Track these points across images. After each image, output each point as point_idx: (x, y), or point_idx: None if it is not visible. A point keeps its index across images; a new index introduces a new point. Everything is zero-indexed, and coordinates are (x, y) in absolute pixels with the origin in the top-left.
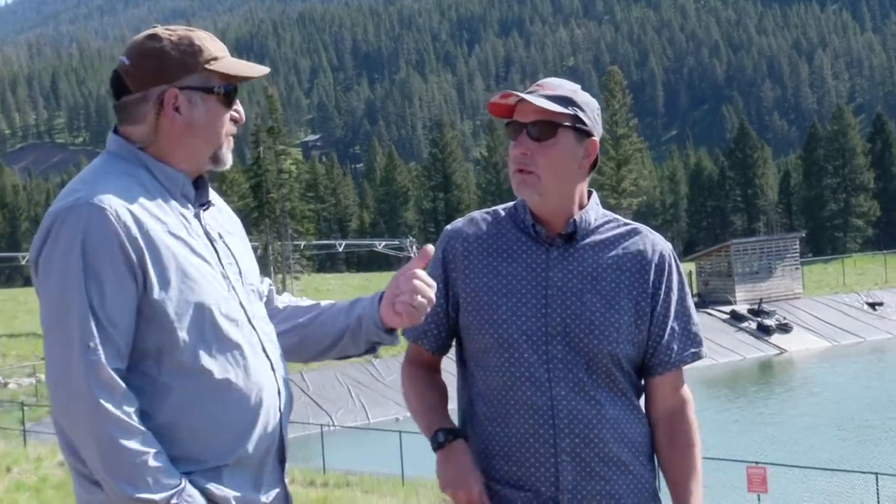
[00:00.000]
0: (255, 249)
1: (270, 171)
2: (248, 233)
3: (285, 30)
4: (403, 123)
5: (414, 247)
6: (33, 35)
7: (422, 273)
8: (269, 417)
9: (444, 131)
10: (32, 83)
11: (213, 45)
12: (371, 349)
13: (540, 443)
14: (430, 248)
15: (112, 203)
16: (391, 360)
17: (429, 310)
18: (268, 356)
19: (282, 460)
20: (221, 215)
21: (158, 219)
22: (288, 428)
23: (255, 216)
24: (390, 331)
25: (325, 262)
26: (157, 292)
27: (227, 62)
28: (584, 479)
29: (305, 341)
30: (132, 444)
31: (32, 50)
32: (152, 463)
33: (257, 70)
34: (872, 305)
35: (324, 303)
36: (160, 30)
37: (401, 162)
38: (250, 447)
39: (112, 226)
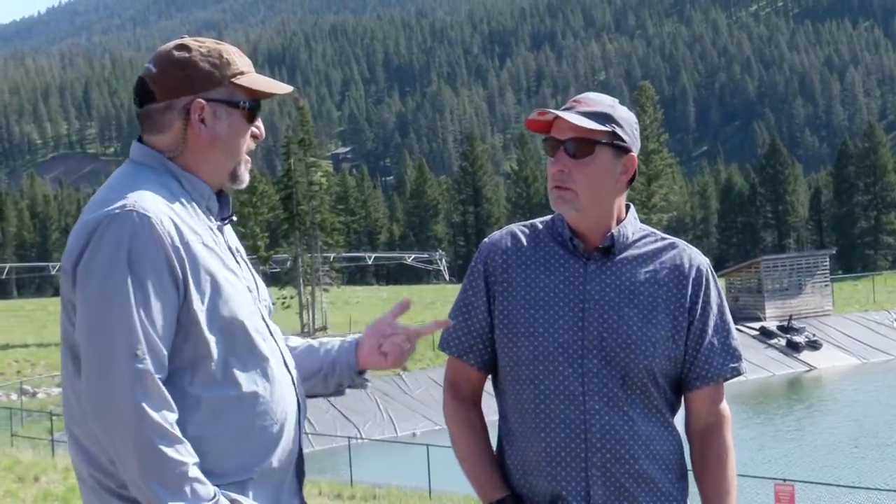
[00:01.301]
0: (284, 262)
1: (301, 182)
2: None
3: (317, 42)
4: (434, 136)
5: (443, 260)
6: (66, 45)
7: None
8: (290, 431)
9: (474, 145)
10: (64, 93)
11: (240, 60)
12: (339, 391)
13: (571, 457)
14: (408, 299)
15: (157, 212)
16: (419, 374)
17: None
18: (289, 370)
19: (299, 473)
20: (232, 230)
21: (194, 230)
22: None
23: (285, 228)
24: (361, 372)
25: (355, 275)
26: (195, 304)
27: (252, 77)
28: (613, 496)
29: None
30: (173, 453)
31: (65, 60)
32: (191, 473)
33: (281, 88)
34: None
35: (304, 342)
36: (189, 40)
37: (431, 175)
38: (274, 461)
39: (157, 235)
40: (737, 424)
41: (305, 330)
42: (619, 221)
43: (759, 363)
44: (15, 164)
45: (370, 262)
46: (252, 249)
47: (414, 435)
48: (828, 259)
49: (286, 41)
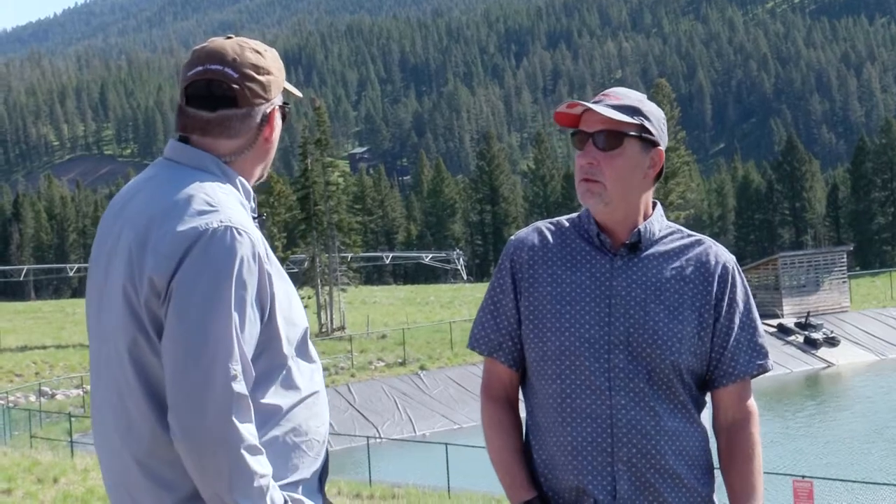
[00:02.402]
0: (302, 262)
1: (318, 183)
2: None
3: (333, 42)
4: (451, 136)
5: (461, 259)
6: (82, 47)
7: None
8: (327, 429)
9: (491, 144)
10: (81, 95)
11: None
12: None
13: (597, 451)
14: None
15: (251, 229)
16: (438, 373)
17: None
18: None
19: (323, 472)
20: None
21: (263, 242)
22: None
23: (303, 228)
24: None
25: (373, 275)
26: (276, 318)
27: (286, 81)
28: (639, 490)
29: None
30: (258, 467)
31: (81, 61)
32: (270, 484)
33: (298, 93)
34: None
35: None
36: (251, 42)
37: (448, 174)
38: (320, 460)
39: (257, 254)
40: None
41: (323, 330)
42: (645, 217)
43: (777, 360)
44: (32, 165)
45: (388, 262)
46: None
47: (424, 436)
48: (845, 255)
49: (302, 41)
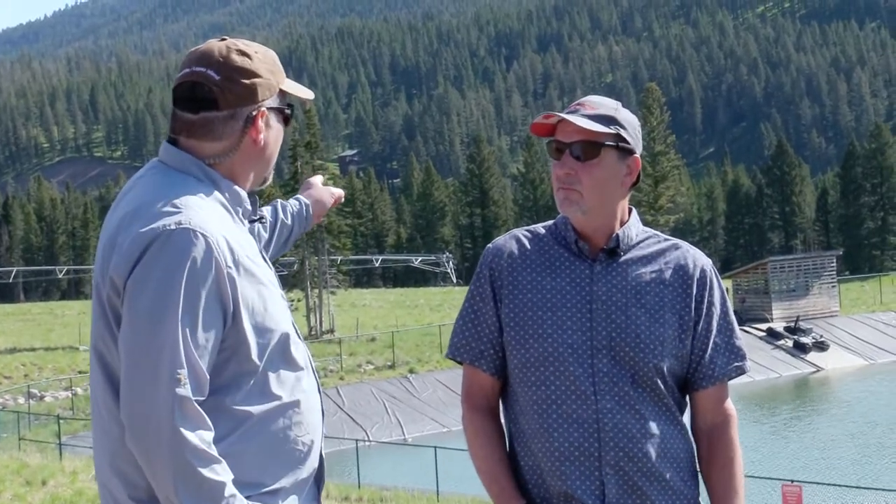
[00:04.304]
0: (291, 264)
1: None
2: None
3: (324, 45)
4: (441, 139)
5: (450, 262)
6: (72, 49)
7: None
8: (318, 438)
9: (481, 147)
10: (71, 97)
11: (281, 66)
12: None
13: (585, 456)
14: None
15: (213, 231)
16: (427, 376)
17: None
18: (315, 375)
19: (318, 480)
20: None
21: (240, 244)
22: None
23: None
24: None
25: (362, 278)
26: (242, 323)
27: (290, 83)
28: (627, 494)
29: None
30: (209, 473)
31: (71, 64)
32: (227, 491)
33: (307, 93)
34: None
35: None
36: (241, 44)
37: (438, 177)
38: (305, 469)
39: (214, 257)
40: (744, 425)
41: (313, 333)
42: (622, 223)
43: (767, 364)
44: (22, 167)
45: (377, 265)
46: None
47: (405, 440)
48: (835, 260)
49: (292, 44)
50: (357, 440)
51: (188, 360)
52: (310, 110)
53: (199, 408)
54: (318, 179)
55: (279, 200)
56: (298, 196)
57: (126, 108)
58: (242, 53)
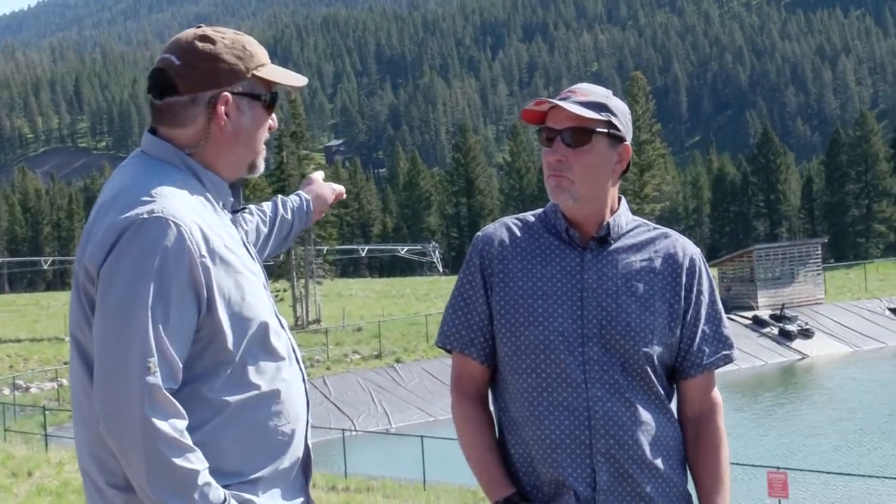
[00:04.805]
0: (277, 255)
1: (294, 175)
2: None
3: (309, 34)
4: (427, 128)
5: (436, 252)
6: (56, 39)
7: None
8: (301, 429)
9: (467, 136)
10: (55, 87)
11: (260, 51)
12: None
13: (576, 444)
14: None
15: (186, 220)
16: (413, 366)
17: None
18: (300, 365)
19: (306, 470)
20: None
21: (217, 233)
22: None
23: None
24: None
25: (348, 267)
26: (220, 313)
27: (271, 69)
28: (618, 482)
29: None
30: (182, 462)
31: (56, 54)
32: (200, 480)
33: (298, 80)
34: (894, 311)
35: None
36: (210, 31)
37: (424, 167)
38: (286, 459)
39: (187, 246)
40: (729, 412)
41: (299, 323)
42: (612, 211)
43: (752, 352)
44: (6, 158)
45: (363, 255)
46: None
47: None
48: (820, 248)
49: (278, 34)
50: (344, 430)
51: (159, 349)
52: (295, 100)
53: (170, 396)
54: (319, 175)
55: (279, 196)
56: (299, 192)
57: (111, 99)
58: (206, 39)
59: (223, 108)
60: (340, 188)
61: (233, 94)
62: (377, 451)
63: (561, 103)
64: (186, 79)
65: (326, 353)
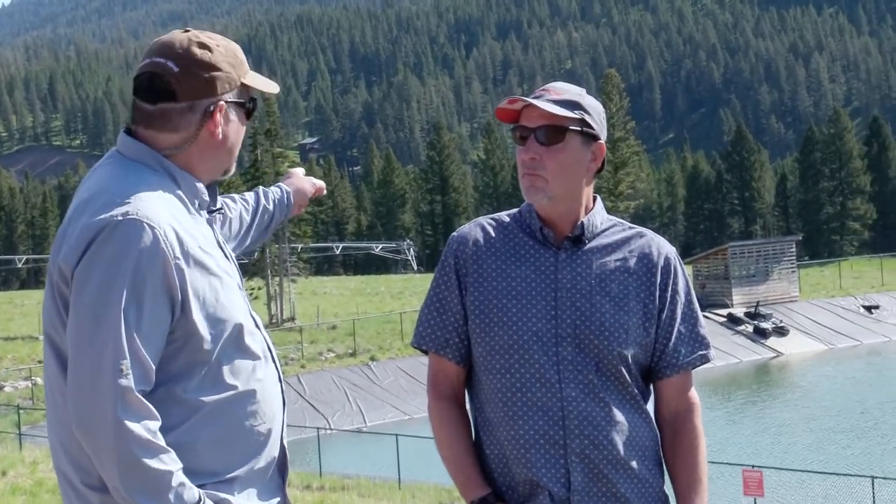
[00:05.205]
0: (251, 252)
1: (268, 173)
2: None
3: (283, 32)
4: (401, 126)
5: (411, 249)
6: (30, 37)
7: None
8: (277, 428)
9: (441, 134)
10: (29, 85)
11: (244, 58)
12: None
13: (550, 444)
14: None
15: (161, 222)
16: (388, 364)
17: None
18: (276, 365)
19: (282, 470)
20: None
21: (192, 234)
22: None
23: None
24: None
25: (323, 265)
26: (194, 315)
27: (254, 77)
28: (593, 482)
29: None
30: (155, 463)
31: (29, 52)
32: (174, 480)
33: (273, 87)
34: (868, 309)
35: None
36: (204, 37)
37: (398, 165)
38: (262, 459)
39: (161, 248)
40: (704, 411)
41: (273, 321)
42: (587, 211)
43: (727, 350)
44: None
45: (338, 253)
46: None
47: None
48: (794, 245)
49: (252, 31)
50: (318, 428)
51: (132, 351)
52: (269, 98)
53: (142, 398)
54: (300, 171)
55: (261, 187)
56: (280, 184)
57: (85, 97)
58: (203, 46)
59: (219, 116)
60: (321, 183)
61: (226, 102)
62: (352, 450)
63: (534, 101)
64: (186, 86)
65: (301, 351)
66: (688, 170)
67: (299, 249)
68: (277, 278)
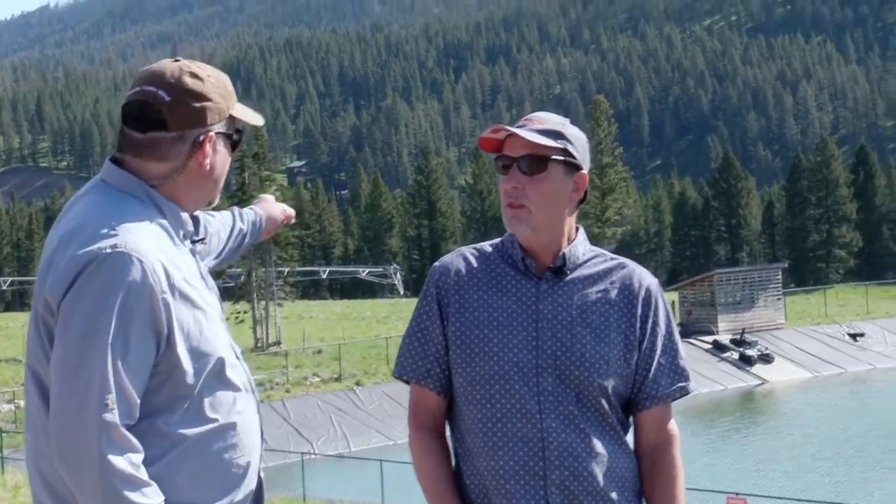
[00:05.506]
0: (238, 276)
1: (255, 196)
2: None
3: (272, 55)
4: (389, 150)
5: (398, 274)
6: (18, 58)
7: None
8: (255, 460)
9: (429, 158)
10: (17, 106)
11: (232, 89)
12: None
13: (530, 475)
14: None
15: (149, 256)
16: (373, 389)
17: None
18: (254, 395)
19: (258, 501)
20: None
21: (178, 267)
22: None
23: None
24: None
25: (309, 289)
26: (176, 348)
27: (241, 108)
28: None
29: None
30: (137, 497)
31: (17, 73)
32: None
33: (259, 119)
34: (854, 336)
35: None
36: (195, 67)
37: (386, 189)
38: (241, 490)
39: (149, 282)
40: (688, 437)
41: (259, 345)
42: (570, 241)
43: (712, 377)
44: None
45: (325, 277)
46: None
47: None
48: (780, 273)
49: (241, 54)
50: (303, 453)
51: (118, 386)
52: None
53: (126, 432)
54: (270, 197)
55: (236, 207)
56: (253, 207)
57: (72, 119)
58: (195, 76)
59: (208, 147)
60: (291, 211)
61: (215, 133)
62: (336, 475)
63: (517, 131)
64: (177, 115)
65: (286, 375)
66: (675, 196)
67: (286, 273)
68: (263, 302)
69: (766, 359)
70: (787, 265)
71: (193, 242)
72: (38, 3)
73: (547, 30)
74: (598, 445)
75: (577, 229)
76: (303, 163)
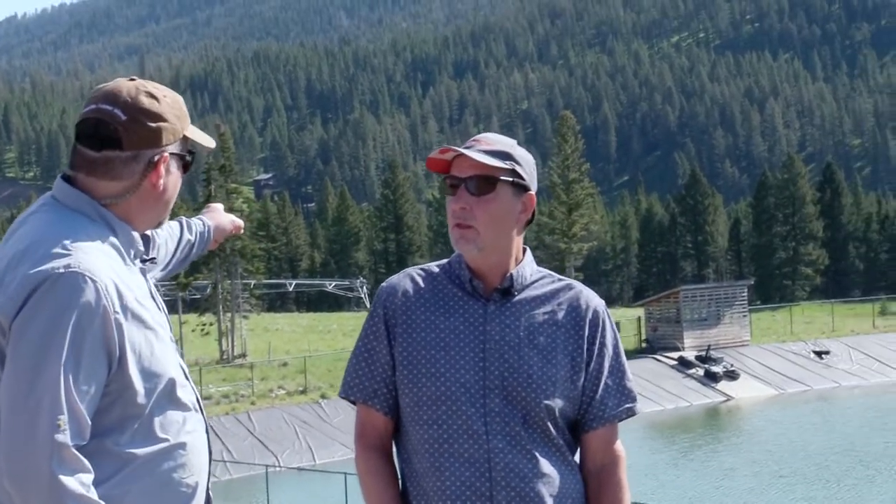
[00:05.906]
0: (204, 288)
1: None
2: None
3: (240, 68)
4: (356, 164)
5: (364, 287)
6: None
7: None
8: (203, 480)
9: (396, 172)
10: None
11: (186, 110)
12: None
13: (477, 496)
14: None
15: (102, 276)
16: (339, 402)
17: None
18: (203, 415)
19: None
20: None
21: (130, 287)
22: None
23: (206, 254)
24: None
25: (275, 302)
26: (128, 369)
27: (194, 130)
28: None
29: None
30: None
31: None
32: None
33: (211, 142)
34: (819, 354)
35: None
36: (151, 87)
37: (353, 202)
38: None
39: (102, 303)
40: (646, 454)
41: (224, 357)
42: (517, 262)
43: (677, 393)
44: None
45: (291, 289)
46: (172, 276)
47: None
48: (746, 289)
49: (209, 67)
50: (267, 465)
51: (69, 406)
52: (224, 133)
53: (77, 453)
54: (219, 206)
55: (183, 217)
56: (202, 216)
57: (39, 129)
58: (151, 96)
59: (162, 168)
60: (240, 222)
61: (169, 153)
62: (300, 488)
63: (465, 151)
64: (133, 134)
65: (252, 387)
66: (642, 212)
67: (252, 286)
68: (229, 314)
69: (731, 375)
70: (753, 282)
71: (143, 262)
72: (5, 13)
73: (515, 45)
74: (545, 466)
75: (524, 250)
76: (270, 175)
